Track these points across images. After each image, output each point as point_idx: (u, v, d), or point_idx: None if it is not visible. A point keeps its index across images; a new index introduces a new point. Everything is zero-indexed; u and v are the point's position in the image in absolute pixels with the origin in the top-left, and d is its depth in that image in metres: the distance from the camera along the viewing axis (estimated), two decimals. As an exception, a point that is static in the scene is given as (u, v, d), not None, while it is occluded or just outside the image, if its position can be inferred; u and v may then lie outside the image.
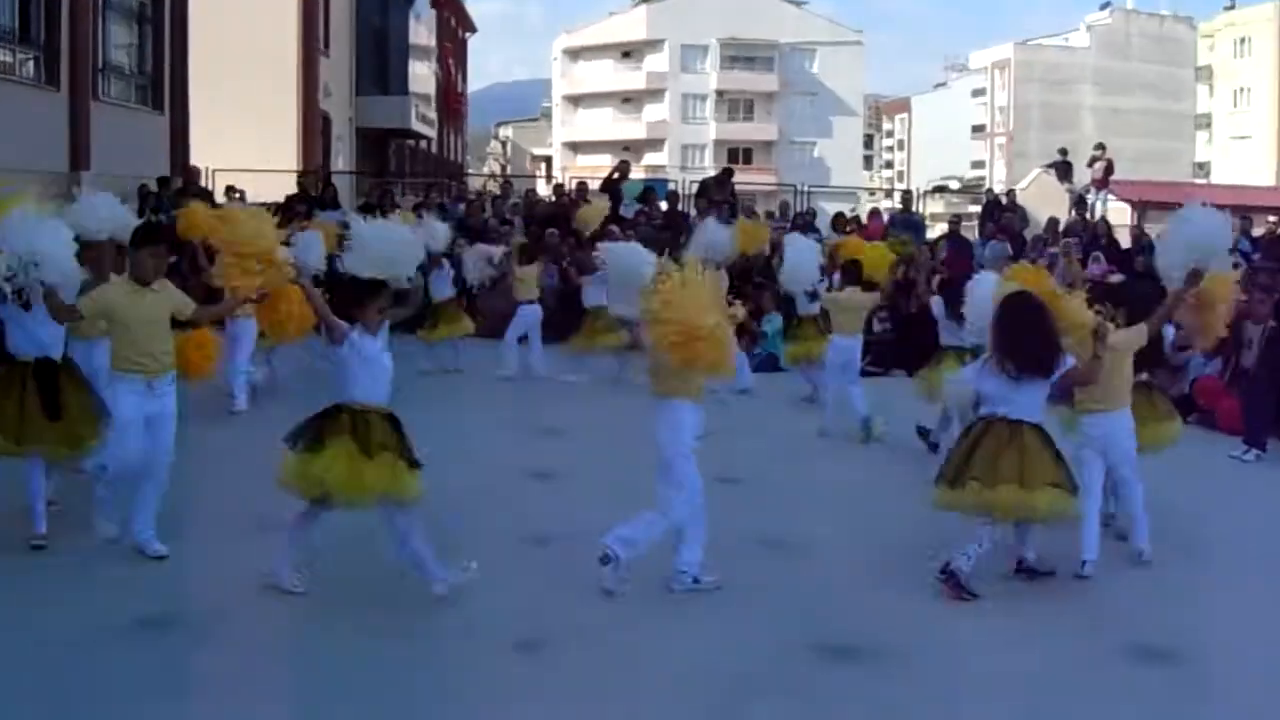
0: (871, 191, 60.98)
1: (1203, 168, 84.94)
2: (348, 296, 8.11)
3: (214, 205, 21.45)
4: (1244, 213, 26.74)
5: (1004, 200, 28.98)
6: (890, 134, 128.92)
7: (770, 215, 27.04)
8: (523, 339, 17.76)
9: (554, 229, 22.72)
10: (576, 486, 11.50)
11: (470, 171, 70.07)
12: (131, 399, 8.68)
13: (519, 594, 8.23)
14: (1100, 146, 33.07)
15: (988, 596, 8.53)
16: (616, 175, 27.21)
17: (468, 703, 6.97)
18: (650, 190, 27.54)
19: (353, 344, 7.89)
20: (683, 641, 7.74)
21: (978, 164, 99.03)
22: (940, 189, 60.05)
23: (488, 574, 8.10)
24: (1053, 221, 25.21)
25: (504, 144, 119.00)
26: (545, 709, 6.82)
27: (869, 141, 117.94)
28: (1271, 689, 7.47)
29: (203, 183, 26.48)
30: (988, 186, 56.82)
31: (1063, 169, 34.22)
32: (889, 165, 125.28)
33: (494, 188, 32.71)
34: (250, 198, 25.17)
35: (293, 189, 26.11)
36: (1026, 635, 8.09)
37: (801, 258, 15.81)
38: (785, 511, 10.79)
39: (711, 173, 30.30)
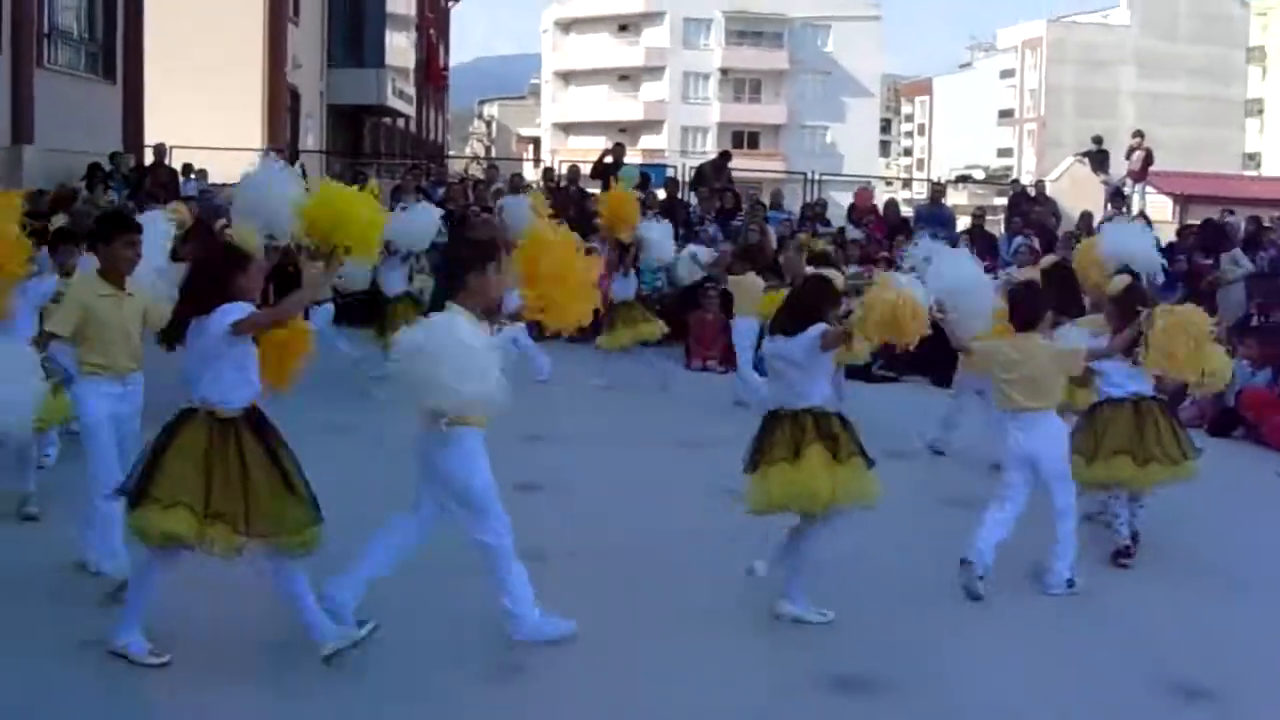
0: (889, 181, 61.03)
1: (1254, 159, 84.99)
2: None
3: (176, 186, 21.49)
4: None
5: (1032, 192, 28.97)
6: (910, 118, 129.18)
7: (772, 206, 26.75)
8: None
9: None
10: (567, 497, 11.48)
11: (452, 153, 70.03)
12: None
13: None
14: (1139, 134, 33.10)
15: (1005, 620, 8.57)
16: (609, 159, 27.17)
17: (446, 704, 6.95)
18: (646, 177, 27.45)
19: None
20: (681, 673, 7.71)
21: (1004, 152, 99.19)
22: (964, 179, 60.04)
23: (477, 590, 8.09)
24: (1086, 216, 25.18)
25: (488, 124, 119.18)
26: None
27: (886, 126, 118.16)
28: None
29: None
30: (1015, 177, 56.86)
31: (1098, 159, 34.20)
32: (908, 153, 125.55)
33: (477, 171, 32.72)
34: (211, 178, 25.25)
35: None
36: (1050, 665, 8.08)
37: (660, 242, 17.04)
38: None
39: (713, 158, 30.22)
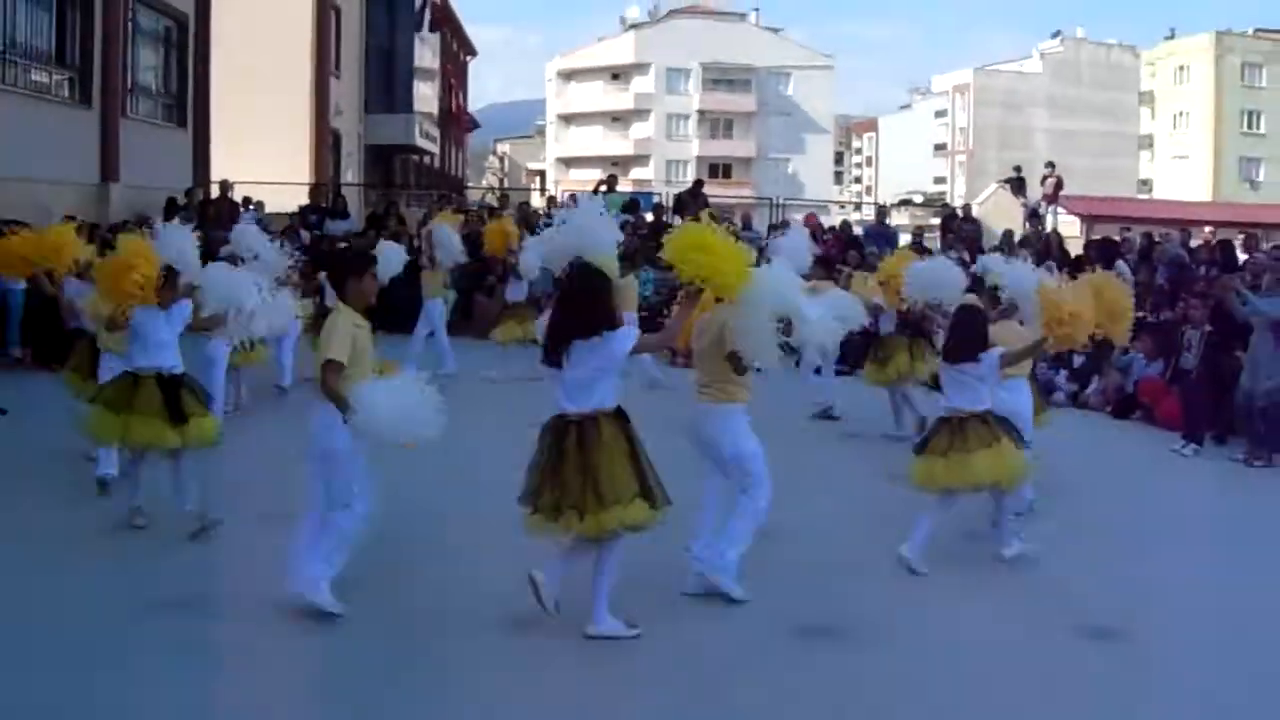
0: (842, 204, 60.95)
1: (1146, 184, 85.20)
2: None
3: (236, 216, 21.56)
4: (1182, 226, 26.99)
5: (961, 213, 29.04)
6: (859, 151, 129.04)
7: (745, 226, 26.95)
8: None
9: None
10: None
11: (470, 184, 69.90)
12: None
13: (509, 579, 8.18)
14: (1050, 164, 33.21)
15: (960, 579, 8.62)
16: (604, 188, 27.28)
17: (461, 678, 6.99)
18: (634, 202, 27.59)
19: None
20: (668, 625, 7.68)
21: (940, 179, 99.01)
22: (905, 202, 60.17)
23: (479, 558, 8.10)
24: (1008, 233, 25.25)
25: (502, 159, 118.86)
26: (532, 689, 6.80)
27: (839, 158, 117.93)
28: (1211, 665, 7.51)
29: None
30: (948, 201, 56.92)
31: (1017, 184, 34.29)
32: (858, 180, 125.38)
33: (492, 199, 32.74)
34: (267, 209, 25.33)
35: (305, 200, 26.13)
36: (987, 615, 8.12)
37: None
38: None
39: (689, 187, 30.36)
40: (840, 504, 10.93)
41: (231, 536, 9.01)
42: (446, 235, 17.81)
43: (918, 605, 8.17)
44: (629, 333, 7.32)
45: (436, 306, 17.60)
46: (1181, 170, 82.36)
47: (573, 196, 26.43)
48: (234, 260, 11.09)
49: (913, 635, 7.70)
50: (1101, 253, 22.43)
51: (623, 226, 24.17)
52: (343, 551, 7.52)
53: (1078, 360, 16.91)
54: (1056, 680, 7.11)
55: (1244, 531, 10.96)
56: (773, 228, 26.33)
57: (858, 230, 28.72)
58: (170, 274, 9.44)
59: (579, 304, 7.31)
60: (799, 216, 30.79)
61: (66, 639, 7.08)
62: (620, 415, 7.29)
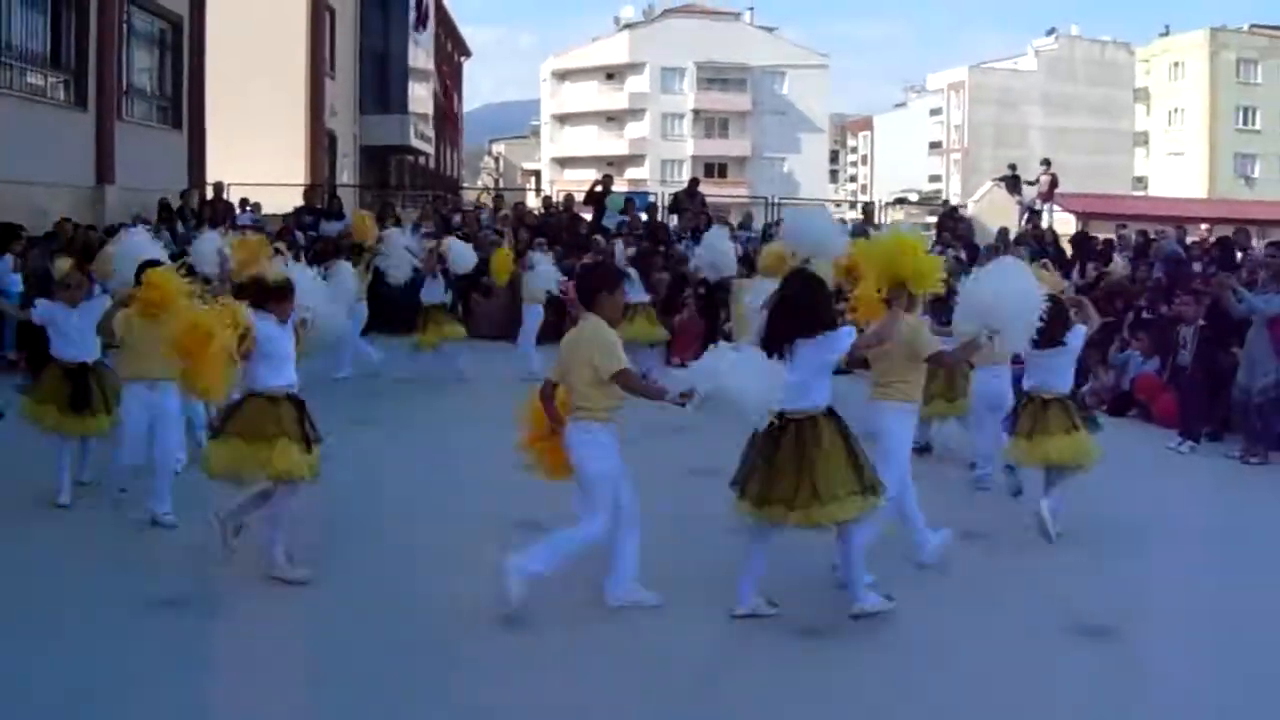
0: (837, 203, 60.94)
1: (1141, 181, 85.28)
2: None
3: (233, 219, 21.62)
4: (1178, 223, 27.00)
5: (956, 211, 29.09)
6: (854, 150, 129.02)
7: (741, 226, 27.04)
8: None
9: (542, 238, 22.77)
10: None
11: (465, 185, 69.97)
12: None
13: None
14: (1046, 162, 33.19)
15: (957, 580, 8.62)
16: (600, 188, 27.28)
17: (459, 674, 6.97)
18: (630, 202, 27.59)
19: None
20: (662, 624, 7.71)
21: (935, 178, 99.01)
22: (900, 201, 60.05)
23: (478, 557, 8.10)
24: (1003, 231, 25.27)
25: (497, 159, 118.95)
26: (531, 689, 6.80)
27: (835, 157, 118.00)
28: (1207, 665, 7.51)
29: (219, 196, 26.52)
30: (944, 198, 56.93)
31: (1012, 183, 34.27)
32: (853, 179, 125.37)
33: (488, 200, 32.76)
34: (264, 209, 25.36)
35: (300, 202, 26.16)
36: (981, 612, 8.13)
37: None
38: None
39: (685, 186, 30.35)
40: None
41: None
42: (460, 248, 17.90)
43: (915, 605, 8.14)
44: (849, 332, 7.70)
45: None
46: (1177, 167, 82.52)
47: (594, 194, 26.60)
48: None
49: (910, 635, 7.69)
50: (1105, 250, 22.63)
51: (620, 227, 24.48)
52: (571, 558, 7.66)
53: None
54: (1053, 680, 7.12)
55: (1240, 529, 10.95)
56: (769, 226, 26.41)
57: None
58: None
59: (801, 305, 7.59)
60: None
61: (66, 638, 7.10)
62: (834, 414, 7.57)
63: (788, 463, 7.38)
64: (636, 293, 16.97)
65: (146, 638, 7.22)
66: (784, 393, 7.15)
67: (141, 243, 11.93)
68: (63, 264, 11.41)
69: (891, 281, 8.40)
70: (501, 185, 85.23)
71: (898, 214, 48.09)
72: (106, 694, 6.46)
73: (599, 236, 22.36)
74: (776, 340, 7.49)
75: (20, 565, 8.44)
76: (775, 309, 7.70)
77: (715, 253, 16.41)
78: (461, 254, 17.79)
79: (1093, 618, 8.07)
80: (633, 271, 17.50)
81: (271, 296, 8.47)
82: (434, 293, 17.36)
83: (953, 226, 26.38)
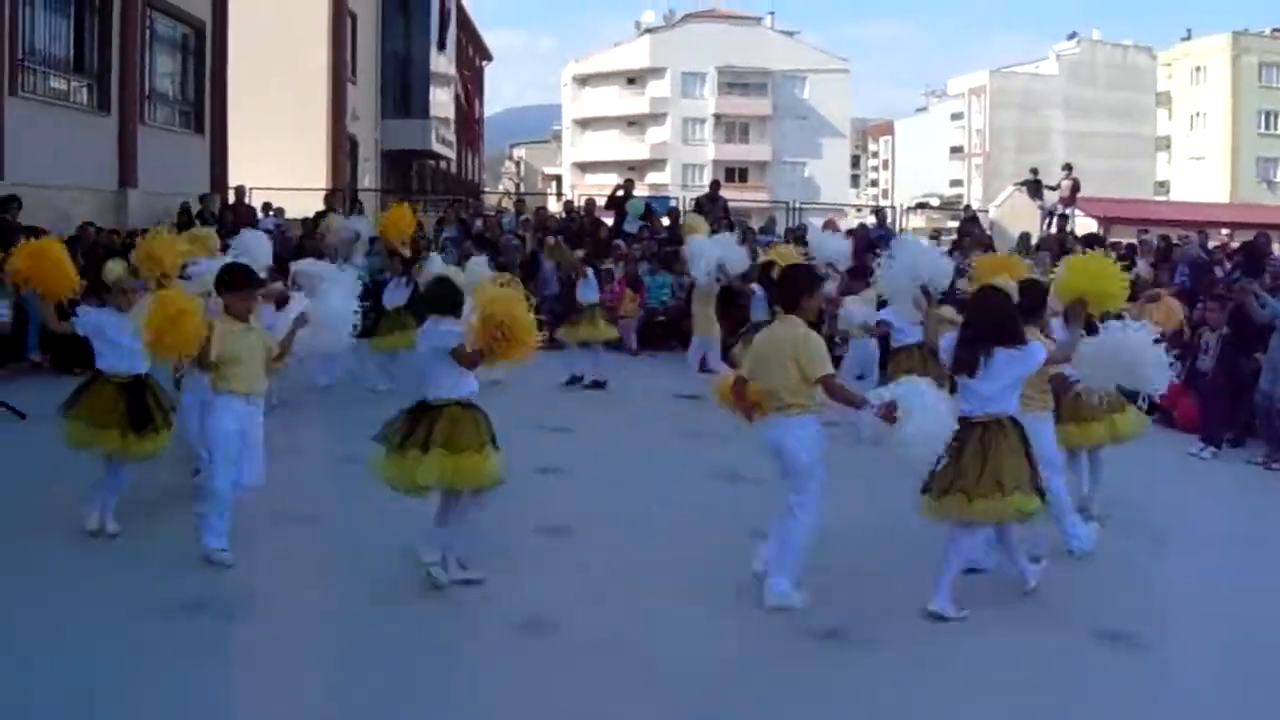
0: (859, 208, 60.85)
1: (1163, 185, 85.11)
2: None
3: (254, 222, 21.66)
4: (1199, 227, 26.92)
5: (977, 216, 29.06)
6: (875, 154, 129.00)
7: (763, 230, 27.09)
8: None
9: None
10: (585, 481, 11.54)
11: (487, 189, 70.15)
12: None
13: (529, 581, 8.22)
14: (1067, 167, 33.08)
15: (973, 583, 8.59)
16: (620, 193, 27.28)
17: (477, 677, 6.99)
18: (650, 207, 27.59)
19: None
20: (682, 629, 7.71)
21: (956, 182, 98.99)
22: (922, 205, 59.93)
23: (502, 561, 8.11)
24: (1024, 236, 25.23)
25: (518, 164, 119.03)
26: (541, 693, 6.79)
27: (856, 161, 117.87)
28: (1228, 670, 7.50)
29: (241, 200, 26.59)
30: (965, 203, 56.83)
31: (1033, 187, 34.18)
32: (874, 184, 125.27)
33: (509, 204, 32.77)
34: (286, 214, 25.44)
35: (321, 206, 26.22)
36: (1000, 618, 8.10)
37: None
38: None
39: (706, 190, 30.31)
40: (856, 508, 10.91)
41: (246, 537, 9.01)
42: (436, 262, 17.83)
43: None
44: (1040, 348, 8.14)
45: None
46: (1199, 171, 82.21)
47: (615, 199, 26.59)
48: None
49: (925, 639, 7.67)
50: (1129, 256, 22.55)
51: (640, 232, 24.48)
52: (807, 549, 8.02)
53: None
54: (1072, 684, 7.09)
55: (1261, 535, 10.91)
56: (789, 232, 26.41)
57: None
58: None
59: (1004, 318, 8.05)
60: (817, 221, 30.79)
61: (83, 638, 7.12)
62: (1016, 421, 7.99)
63: (973, 458, 7.79)
64: (590, 293, 17.24)
65: (162, 639, 7.23)
66: (974, 403, 7.87)
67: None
68: (115, 266, 9.98)
69: (1074, 298, 8.87)
70: (523, 190, 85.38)
71: (919, 220, 48.06)
72: (109, 695, 6.49)
73: (620, 241, 22.37)
74: (976, 350, 7.89)
75: (37, 565, 8.48)
76: (974, 321, 8.11)
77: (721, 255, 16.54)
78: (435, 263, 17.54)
79: (1113, 622, 8.03)
80: (590, 271, 17.60)
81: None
82: (396, 296, 16.72)
83: (970, 231, 26.34)
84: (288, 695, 6.71)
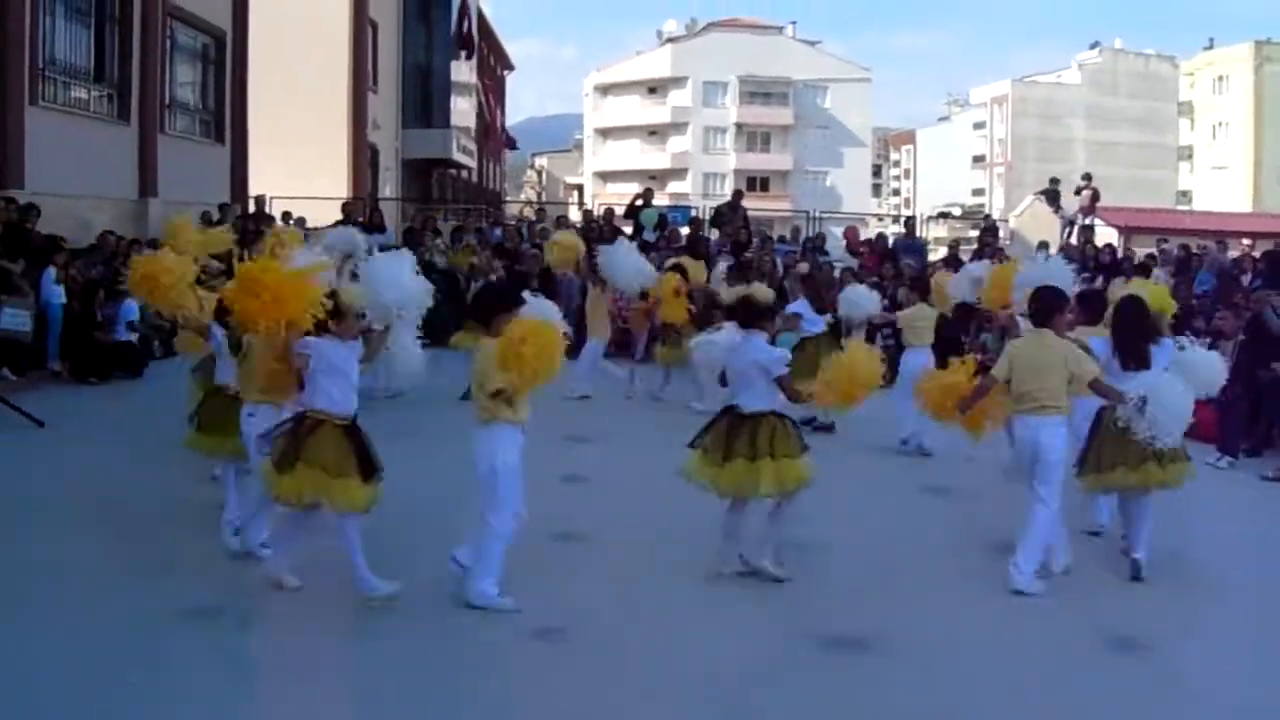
0: (880, 217, 60.82)
1: (1185, 195, 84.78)
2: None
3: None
4: (1219, 237, 26.82)
5: (997, 225, 29.08)
6: (897, 164, 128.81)
7: (782, 239, 27.14)
8: None
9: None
10: (601, 487, 11.55)
11: (508, 199, 70.14)
12: None
13: (543, 586, 8.22)
14: (1087, 176, 33.03)
15: (986, 591, 8.60)
16: (640, 202, 27.29)
17: (494, 683, 7.00)
18: (664, 217, 27.40)
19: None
20: (698, 633, 7.75)
21: (978, 191, 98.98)
22: (944, 215, 59.92)
23: (516, 566, 8.11)
24: (1044, 245, 25.21)
25: (539, 173, 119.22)
26: (551, 700, 6.79)
27: (877, 171, 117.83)
28: (1241, 680, 7.48)
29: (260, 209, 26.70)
30: (986, 212, 56.75)
31: (1052, 196, 34.13)
32: (896, 193, 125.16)
33: (530, 214, 32.84)
34: (308, 223, 25.49)
35: (340, 215, 26.30)
36: (1012, 627, 8.10)
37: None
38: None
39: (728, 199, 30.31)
40: (872, 517, 10.91)
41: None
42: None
43: (944, 617, 8.16)
44: (1171, 343, 9.69)
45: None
46: (1221, 181, 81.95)
47: (634, 208, 26.59)
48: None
49: (939, 647, 7.68)
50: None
51: (656, 242, 24.51)
52: (1053, 536, 9.05)
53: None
54: (1084, 693, 7.08)
55: (1277, 544, 10.89)
56: (808, 241, 26.43)
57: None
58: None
59: (1144, 321, 9.57)
60: (838, 230, 30.81)
61: (100, 645, 7.14)
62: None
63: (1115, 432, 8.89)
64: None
65: (178, 647, 7.24)
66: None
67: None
68: (350, 291, 8.62)
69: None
70: (544, 199, 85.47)
71: (940, 229, 48.03)
72: (137, 704, 6.49)
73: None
74: (1140, 347, 9.30)
75: (54, 572, 8.50)
76: (1129, 326, 9.46)
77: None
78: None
79: (1125, 631, 8.04)
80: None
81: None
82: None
83: (989, 241, 26.36)
84: (303, 701, 6.76)
